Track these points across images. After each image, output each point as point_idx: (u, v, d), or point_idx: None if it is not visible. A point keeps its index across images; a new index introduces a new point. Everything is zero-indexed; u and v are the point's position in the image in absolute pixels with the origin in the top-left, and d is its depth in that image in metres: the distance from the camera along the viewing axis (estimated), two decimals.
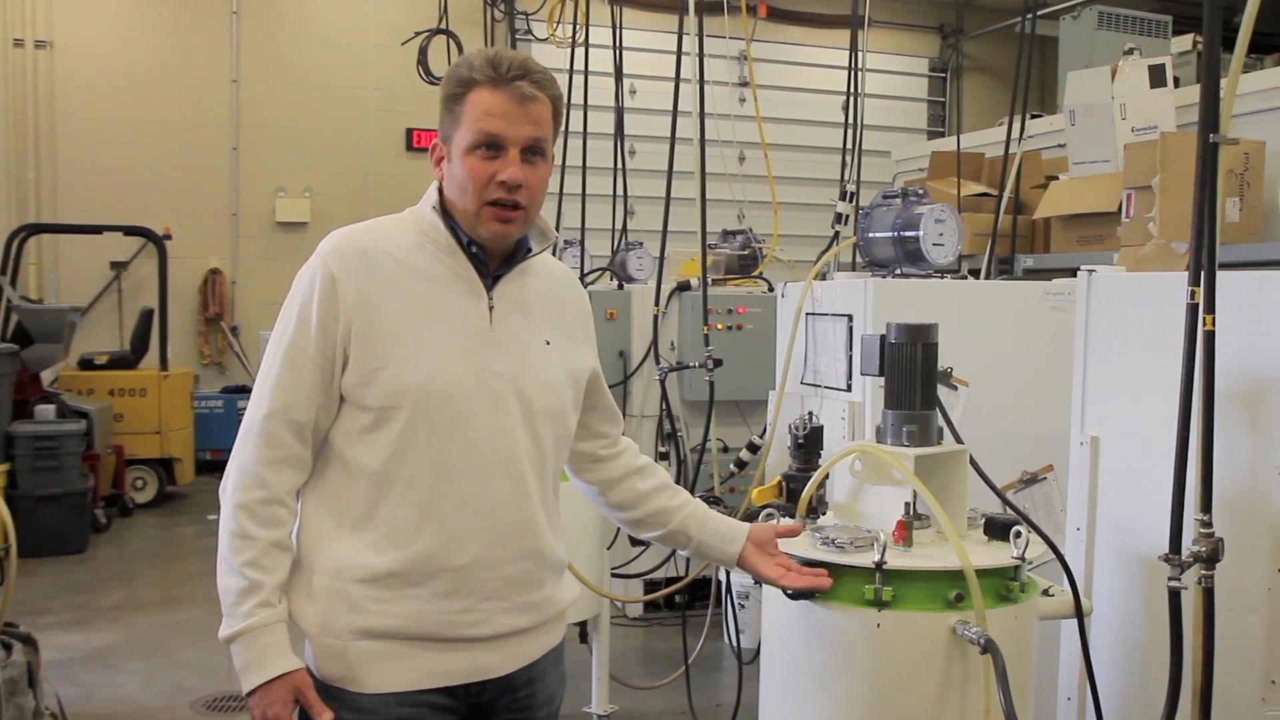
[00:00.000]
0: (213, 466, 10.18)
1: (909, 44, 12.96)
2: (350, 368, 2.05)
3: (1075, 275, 3.02)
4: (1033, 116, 6.52)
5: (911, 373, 2.47)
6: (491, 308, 2.13)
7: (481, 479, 2.07)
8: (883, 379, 2.55)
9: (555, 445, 2.21)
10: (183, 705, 5.03)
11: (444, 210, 2.13)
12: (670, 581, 5.32)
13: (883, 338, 2.51)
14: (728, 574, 4.75)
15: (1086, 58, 6.80)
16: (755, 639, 4.82)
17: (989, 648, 2.15)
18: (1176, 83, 5.72)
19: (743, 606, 5.29)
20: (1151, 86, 5.45)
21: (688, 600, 5.40)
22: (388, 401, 2.03)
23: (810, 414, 3.30)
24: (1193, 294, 2.17)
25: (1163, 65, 5.51)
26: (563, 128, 2.22)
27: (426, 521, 2.04)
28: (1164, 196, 4.69)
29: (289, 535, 2.07)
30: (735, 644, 4.61)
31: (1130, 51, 5.58)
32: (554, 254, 2.38)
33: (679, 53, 4.91)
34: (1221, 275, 2.27)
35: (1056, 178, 6.05)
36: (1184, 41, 7.20)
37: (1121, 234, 5.04)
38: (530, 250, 2.19)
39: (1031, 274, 5.66)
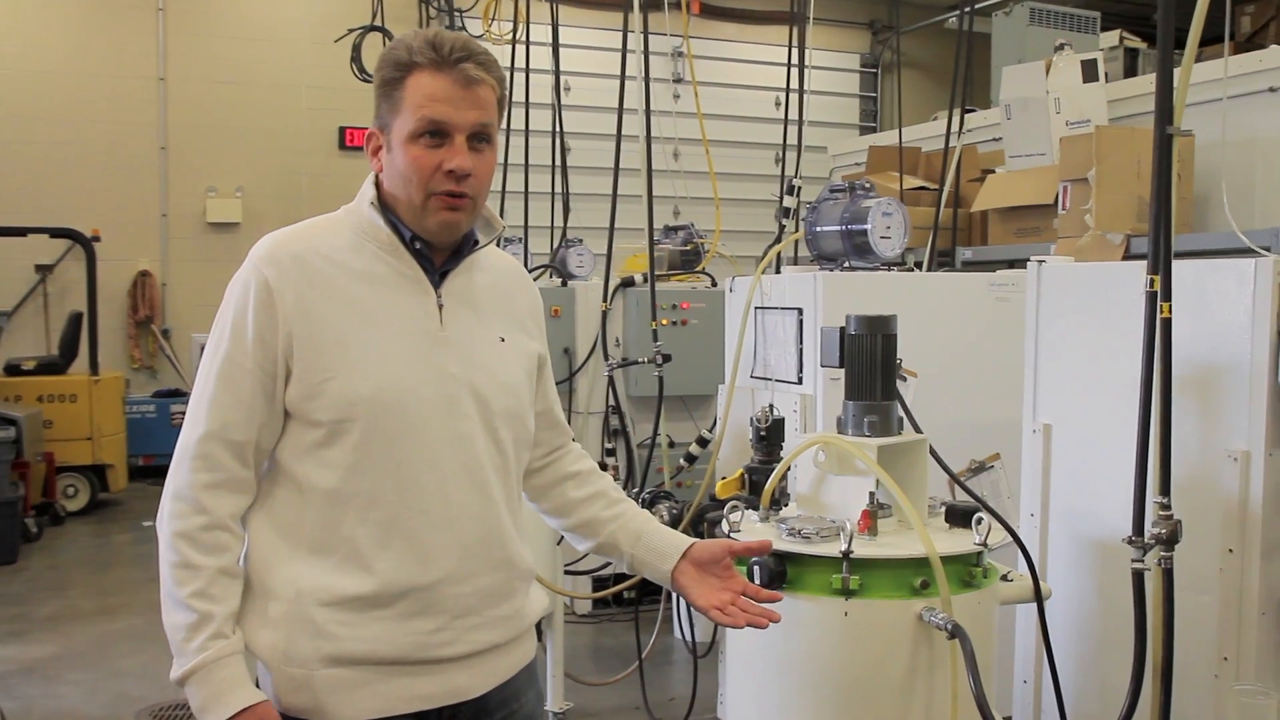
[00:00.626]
0: (146, 472, 9.99)
1: (841, 40, 13.08)
2: (294, 381, 1.91)
3: (1013, 266, 3.08)
4: (967, 111, 6.63)
5: (872, 364, 2.51)
6: (441, 306, 1.99)
7: (444, 490, 1.94)
8: (841, 370, 2.58)
9: (516, 448, 2.09)
10: (127, 715, 4.92)
11: (383, 205, 1.99)
12: (619, 578, 5.33)
13: (842, 330, 2.54)
14: None
15: (1019, 53, 6.92)
16: (707, 633, 4.86)
17: (956, 633, 2.19)
18: (1106, 77, 5.85)
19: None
20: (1084, 81, 5.57)
21: (637, 595, 5.41)
22: (338, 414, 1.89)
23: (771, 406, 3.33)
24: (1152, 282, 2.23)
25: (1095, 60, 5.64)
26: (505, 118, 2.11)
27: (391, 539, 1.91)
28: (1100, 189, 4.81)
29: (236, 561, 1.92)
30: (689, 638, 4.63)
31: (1061, 47, 5.70)
32: (499, 246, 2.24)
33: (624, 50, 4.92)
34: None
35: (993, 171, 6.16)
36: (1111, 37, 7.37)
37: (1058, 226, 5.14)
38: (477, 243, 2.06)
39: (970, 266, 5.75)
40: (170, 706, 4.97)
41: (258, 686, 1.92)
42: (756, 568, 2.35)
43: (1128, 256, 4.74)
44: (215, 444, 1.89)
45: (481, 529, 1.99)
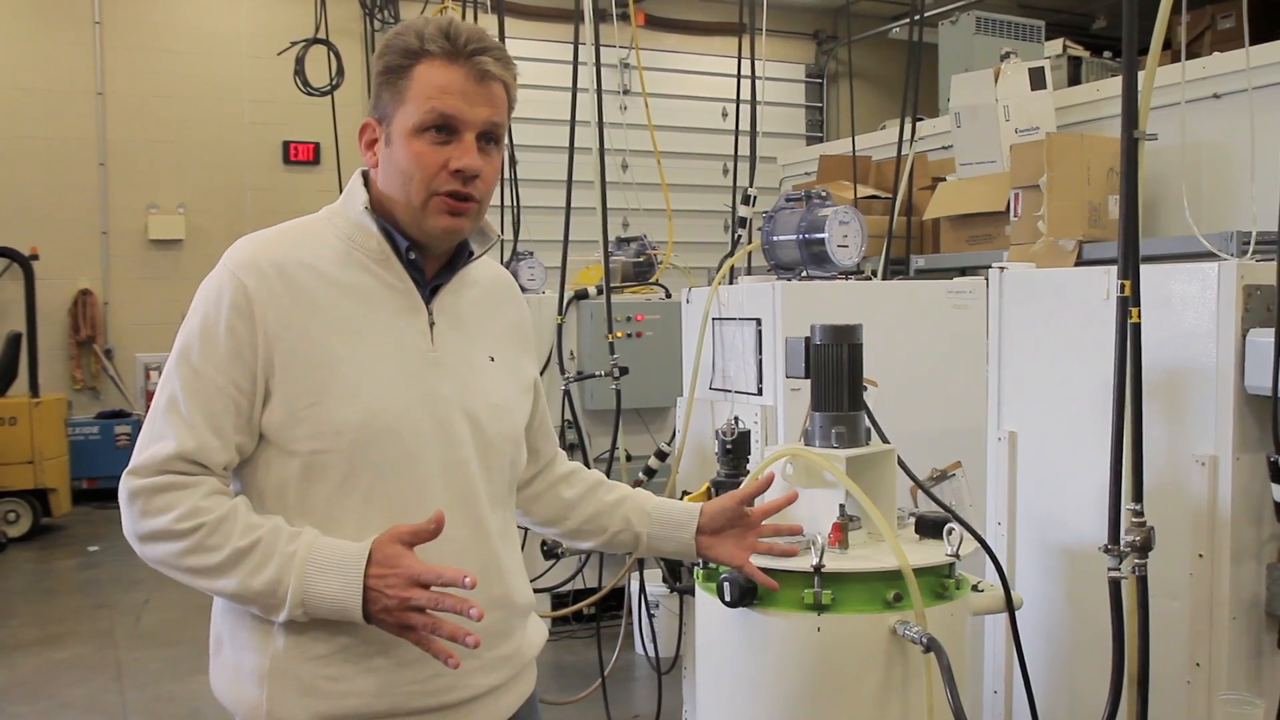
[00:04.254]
0: (90, 496, 9.77)
1: (786, 51, 13.13)
2: (273, 405, 1.73)
3: (966, 274, 3.08)
4: (916, 119, 6.66)
5: (838, 374, 2.47)
6: (432, 324, 1.85)
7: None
8: (804, 381, 2.54)
9: (511, 474, 1.97)
10: None
11: (374, 208, 1.83)
12: (580, 595, 5.27)
13: (808, 340, 2.51)
14: (643, 584, 4.72)
15: (966, 62, 6.97)
16: (669, 648, 4.81)
17: (932, 646, 2.16)
18: (1054, 85, 5.91)
19: (654, 615, 5.26)
20: (1032, 89, 5.61)
21: (597, 612, 5.35)
22: (322, 444, 1.73)
23: (737, 419, 3.29)
24: (1123, 287, 2.22)
25: (1042, 68, 5.70)
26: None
27: None
28: (1051, 195, 4.84)
29: (231, 505, 1.72)
30: (653, 654, 4.58)
31: (1007, 55, 5.74)
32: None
33: (575, 62, 4.88)
34: (1111, 270, 2.33)
35: (943, 179, 6.19)
36: (1055, 46, 7.44)
37: (1010, 232, 5.18)
38: (472, 254, 1.92)
39: (923, 274, 5.77)
40: None
41: None
42: (726, 584, 2.30)
43: (1080, 262, 4.78)
44: (179, 463, 1.71)
45: (478, 566, 1.80)
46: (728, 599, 2.30)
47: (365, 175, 1.88)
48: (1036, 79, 5.62)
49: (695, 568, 2.52)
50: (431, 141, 1.76)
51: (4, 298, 10.19)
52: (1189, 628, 2.50)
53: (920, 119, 7.15)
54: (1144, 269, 2.51)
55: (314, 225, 1.87)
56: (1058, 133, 5.24)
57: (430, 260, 1.88)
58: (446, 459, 1.82)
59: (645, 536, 2.17)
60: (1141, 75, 2.32)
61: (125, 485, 1.73)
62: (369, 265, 1.82)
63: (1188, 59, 5.63)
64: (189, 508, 1.69)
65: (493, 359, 1.95)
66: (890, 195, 5.51)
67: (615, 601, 5.42)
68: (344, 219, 1.86)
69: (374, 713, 1.77)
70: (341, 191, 1.92)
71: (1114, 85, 5.72)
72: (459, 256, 1.91)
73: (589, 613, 5.34)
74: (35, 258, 9.68)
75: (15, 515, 8.72)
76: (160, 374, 1.96)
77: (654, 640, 4.61)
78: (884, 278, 5.24)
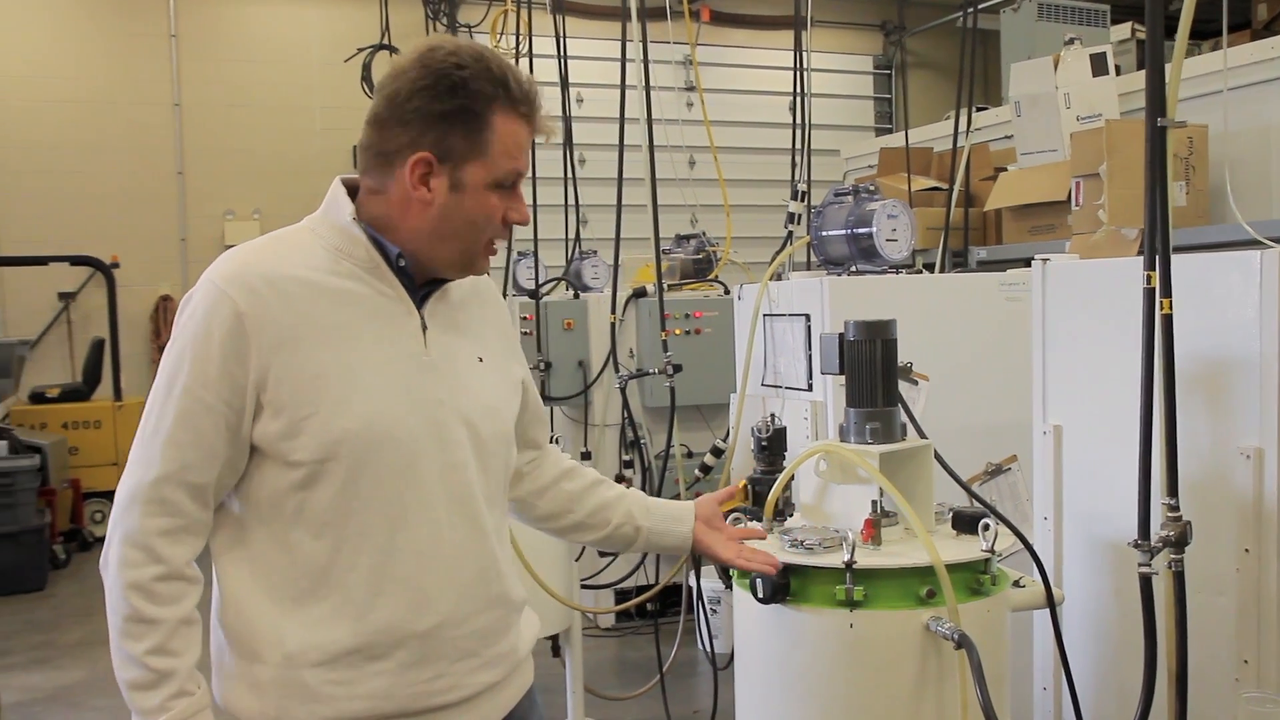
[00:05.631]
0: None
1: (852, 42, 13.03)
2: (268, 418, 1.75)
3: (1029, 265, 3.04)
4: (978, 109, 6.57)
5: (872, 370, 2.46)
6: (425, 329, 1.87)
7: (437, 527, 1.83)
8: (843, 377, 2.54)
9: (504, 473, 2.01)
10: None
11: (359, 219, 1.85)
12: (641, 590, 5.30)
13: (841, 336, 2.50)
14: (698, 580, 4.73)
15: (1028, 49, 6.85)
16: (729, 644, 4.81)
17: (963, 642, 2.14)
18: (1118, 70, 5.79)
19: (715, 612, 5.28)
20: (1094, 75, 5.51)
21: (659, 608, 5.38)
22: (321, 454, 1.74)
23: (773, 415, 3.29)
24: (1149, 278, 2.18)
25: (1104, 54, 5.58)
26: None
27: (385, 584, 1.79)
28: (1112, 183, 4.75)
29: (194, 606, 1.77)
30: (709, 650, 4.59)
31: (1071, 41, 5.64)
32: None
33: (623, 59, 4.90)
34: (1173, 258, 2.28)
35: (1005, 169, 6.10)
36: (1123, 30, 7.29)
37: (1072, 222, 5.08)
38: None
39: (985, 265, 5.69)
40: None
41: None
42: (759, 580, 2.31)
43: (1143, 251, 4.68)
44: (172, 487, 1.73)
45: (477, 566, 1.88)
46: (760, 595, 2.31)
47: (349, 189, 1.89)
48: (1098, 65, 5.51)
49: None
50: (500, 195, 1.82)
51: (88, 305, 10.50)
52: (1236, 624, 2.45)
53: (983, 108, 7.06)
54: (1186, 258, 2.47)
55: (298, 236, 1.88)
56: (1118, 120, 5.13)
57: (419, 269, 1.89)
58: (445, 461, 1.85)
59: (645, 530, 2.23)
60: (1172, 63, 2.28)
61: (127, 519, 1.74)
62: (358, 273, 1.84)
63: (1270, 37, 5.49)
64: (166, 610, 1.73)
65: (481, 360, 1.97)
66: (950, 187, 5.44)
67: (678, 598, 5.44)
68: (329, 228, 1.87)
69: (381, 714, 1.81)
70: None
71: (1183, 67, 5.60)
72: None
73: (651, 608, 5.37)
74: (116, 266, 9.96)
75: (101, 515, 8.99)
76: None
77: (711, 636, 4.62)
78: (942, 270, 5.20)
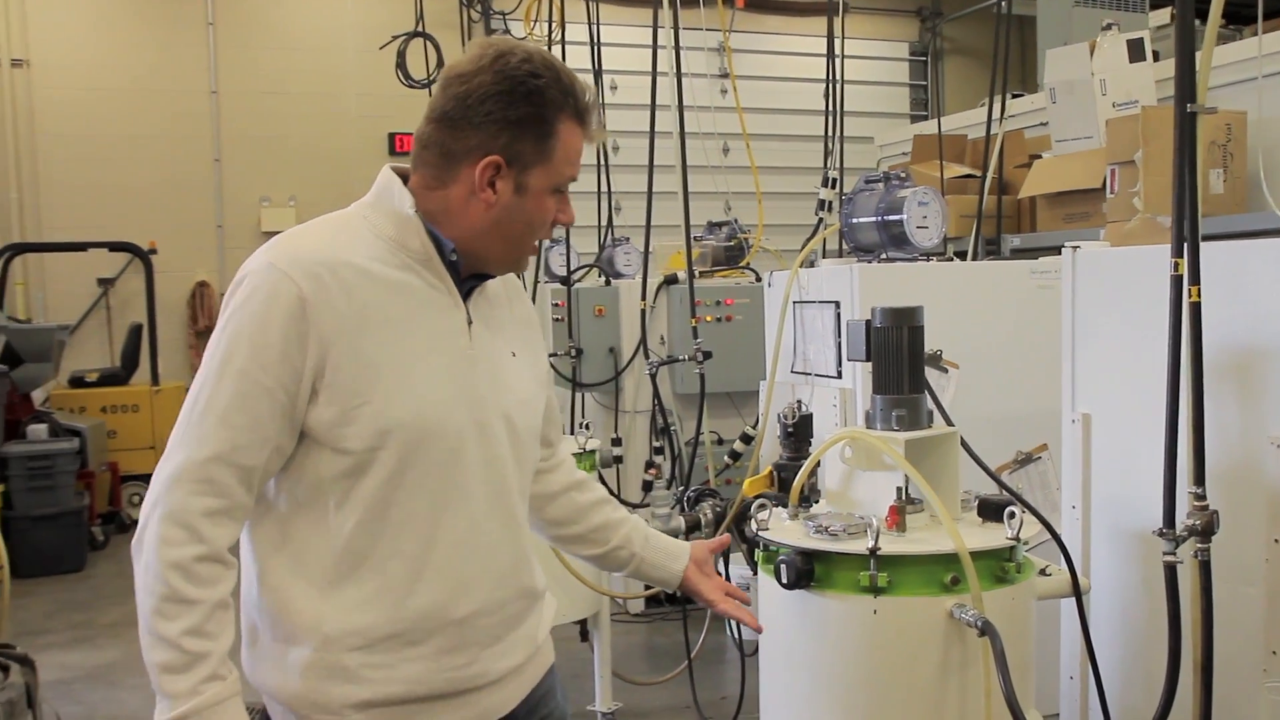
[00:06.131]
0: None
1: (888, 29, 12.94)
2: (322, 404, 1.76)
3: (1061, 253, 3.03)
4: (1014, 96, 6.52)
5: (898, 356, 2.46)
6: (470, 323, 1.91)
7: (475, 519, 1.87)
8: (870, 364, 2.54)
9: (532, 467, 2.06)
10: None
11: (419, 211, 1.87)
12: None
13: (868, 322, 2.50)
14: (727, 566, 4.73)
15: (1065, 35, 6.79)
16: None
17: (986, 630, 2.14)
18: (1156, 56, 5.72)
19: None
20: (1131, 61, 5.44)
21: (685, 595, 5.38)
22: (372, 442, 1.76)
23: (799, 402, 3.28)
24: (1176, 265, 2.16)
25: (1141, 39, 5.51)
26: None
27: (425, 572, 1.82)
28: (1147, 170, 4.70)
29: (229, 592, 1.76)
30: (737, 636, 4.60)
31: (1108, 27, 5.57)
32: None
33: (654, 46, 4.90)
34: (1204, 246, 2.26)
35: (1040, 156, 6.05)
36: (1161, 15, 7.20)
37: (1107, 210, 5.04)
38: None
39: (1019, 253, 5.66)
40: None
41: None
42: (783, 565, 2.32)
43: None
44: (222, 468, 1.72)
45: (510, 557, 1.94)
46: (784, 580, 2.32)
47: (404, 179, 1.90)
48: (1135, 50, 5.45)
49: (757, 550, 2.54)
50: (556, 199, 1.89)
51: (127, 290, 10.62)
52: (1265, 614, 2.43)
53: (1019, 95, 7.00)
54: (1218, 246, 2.45)
55: (351, 223, 1.88)
56: (1154, 106, 5.07)
57: (467, 264, 1.92)
58: (486, 455, 1.89)
59: (639, 558, 2.28)
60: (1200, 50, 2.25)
61: (170, 497, 1.73)
62: (412, 265, 1.85)
63: None
64: (204, 591, 1.71)
65: (514, 354, 2.01)
66: (983, 174, 5.41)
67: None
68: (383, 216, 1.87)
69: (415, 697, 1.85)
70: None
71: (1218, 54, 5.52)
72: None
73: (681, 595, 5.37)
74: (154, 252, 10.07)
75: (139, 498, 9.10)
76: None
77: (739, 622, 4.62)
78: (975, 258, 5.17)
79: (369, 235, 1.85)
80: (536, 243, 1.94)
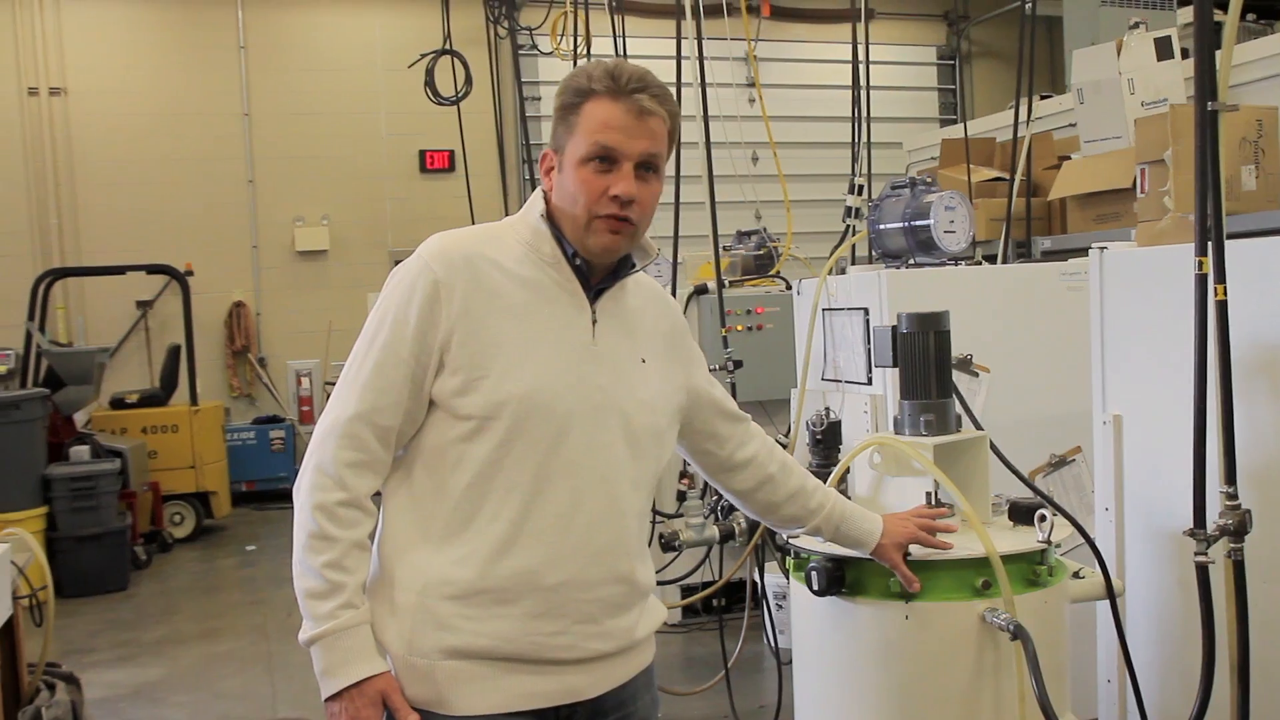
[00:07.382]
0: (249, 498, 10.27)
1: (915, 33, 12.92)
2: (448, 375, 1.99)
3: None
4: (1042, 98, 6.49)
5: (925, 362, 2.47)
6: (594, 321, 2.07)
7: (578, 495, 2.00)
8: (897, 370, 2.54)
9: (654, 465, 2.16)
10: None
11: (549, 221, 2.07)
12: (706, 585, 5.31)
13: (894, 328, 2.51)
14: (762, 575, 4.74)
15: (1092, 35, 6.75)
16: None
17: (1018, 634, 2.14)
18: (1184, 54, 5.68)
19: (779, 607, 5.28)
20: (1158, 59, 5.41)
21: (725, 603, 5.39)
22: (488, 411, 1.97)
23: (827, 409, 3.29)
24: (1200, 264, 2.15)
25: (1169, 37, 5.47)
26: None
27: (520, 537, 1.98)
28: (1177, 169, 4.65)
29: (367, 536, 2.00)
30: (774, 645, 4.60)
31: (1136, 26, 5.54)
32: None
33: (678, 57, 4.92)
34: (1231, 244, 2.25)
35: (1069, 158, 6.01)
36: (1189, 13, 7.14)
37: (1137, 210, 4.98)
38: (634, 265, 2.13)
39: (1050, 255, 5.62)
40: None
41: None
42: (814, 572, 2.33)
43: None
44: (363, 425, 1.97)
45: (608, 539, 2.04)
46: (815, 587, 2.33)
47: (545, 194, 2.11)
48: (1163, 49, 5.41)
49: (786, 557, 2.55)
50: (595, 170, 1.99)
51: (165, 312, 10.77)
52: None
53: (1047, 96, 6.97)
54: (1247, 243, 2.43)
55: (499, 229, 2.13)
56: (1183, 104, 5.04)
57: (596, 268, 2.09)
58: (594, 440, 2.02)
59: (829, 541, 2.34)
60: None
61: (321, 449, 1.98)
62: (543, 265, 2.06)
63: None
64: (344, 531, 1.95)
65: (644, 361, 2.14)
66: (1011, 177, 5.38)
67: (743, 593, 5.44)
68: (524, 225, 2.10)
69: (500, 655, 1.98)
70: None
71: (1249, 49, 5.48)
72: (622, 267, 2.11)
73: (717, 604, 5.38)
74: (191, 273, 10.18)
75: (180, 517, 9.22)
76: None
77: (776, 631, 4.63)
78: (1005, 261, 5.14)
79: (511, 239, 2.09)
80: (596, 219, 2.00)
